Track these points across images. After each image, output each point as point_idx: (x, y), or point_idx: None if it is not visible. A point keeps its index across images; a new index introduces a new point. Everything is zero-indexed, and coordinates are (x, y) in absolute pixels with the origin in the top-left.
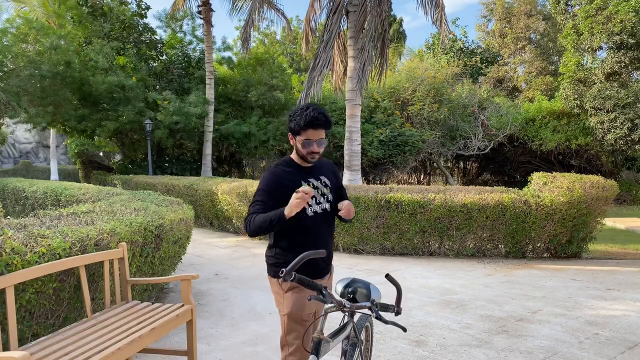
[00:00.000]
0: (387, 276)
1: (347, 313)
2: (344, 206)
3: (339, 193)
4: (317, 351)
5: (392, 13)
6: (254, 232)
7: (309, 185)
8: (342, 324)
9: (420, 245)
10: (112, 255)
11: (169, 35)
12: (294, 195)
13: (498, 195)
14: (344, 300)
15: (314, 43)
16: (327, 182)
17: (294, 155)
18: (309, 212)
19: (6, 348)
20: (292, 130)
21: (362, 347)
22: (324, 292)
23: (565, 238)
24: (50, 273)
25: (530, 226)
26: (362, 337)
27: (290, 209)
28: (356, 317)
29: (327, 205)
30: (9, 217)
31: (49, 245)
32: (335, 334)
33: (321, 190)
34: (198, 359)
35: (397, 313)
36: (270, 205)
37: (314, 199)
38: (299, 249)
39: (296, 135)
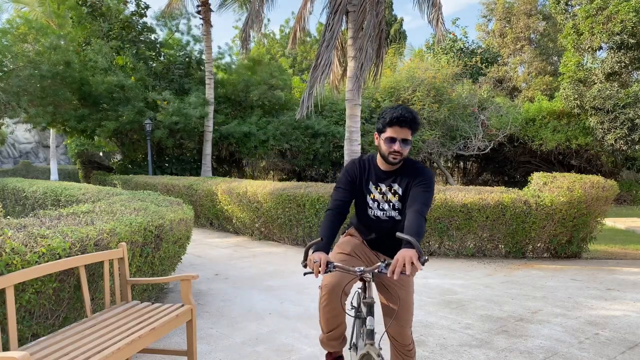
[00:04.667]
0: (397, 235)
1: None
2: (395, 264)
3: (406, 200)
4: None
5: (393, 13)
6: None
7: (377, 189)
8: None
9: (420, 245)
10: (112, 255)
11: (167, 34)
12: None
13: (498, 195)
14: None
15: (314, 44)
16: (398, 189)
17: (378, 156)
18: (370, 213)
19: (6, 348)
20: (378, 129)
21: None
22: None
23: (565, 238)
24: (50, 273)
25: (530, 226)
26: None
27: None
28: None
29: (394, 213)
30: (9, 217)
31: (49, 245)
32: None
33: (386, 197)
34: (198, 359)
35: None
36: (348, 191)
37: (375, 203)
38: (362, 235)
39: (381, 133)
